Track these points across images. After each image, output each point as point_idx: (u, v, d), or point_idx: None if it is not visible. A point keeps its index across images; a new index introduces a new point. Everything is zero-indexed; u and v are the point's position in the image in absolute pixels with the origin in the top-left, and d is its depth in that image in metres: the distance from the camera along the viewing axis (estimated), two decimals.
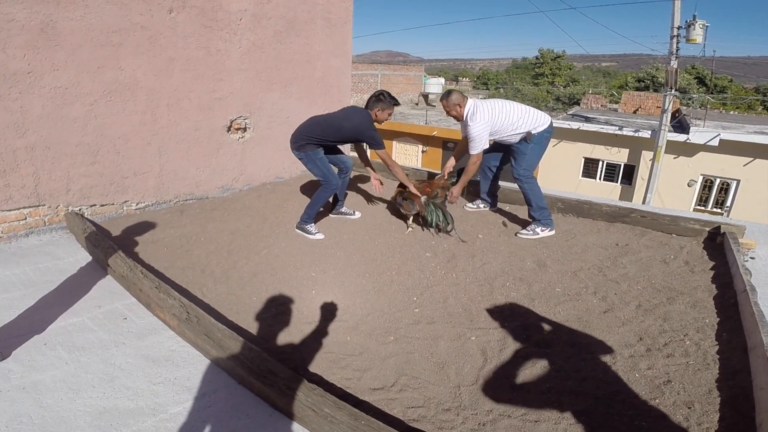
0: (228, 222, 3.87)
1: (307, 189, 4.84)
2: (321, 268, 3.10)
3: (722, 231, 3.47)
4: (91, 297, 2.58)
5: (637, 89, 27.78)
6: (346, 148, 4.96)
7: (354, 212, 4.08)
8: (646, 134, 13.31)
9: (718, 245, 3.44)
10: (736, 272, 2.82)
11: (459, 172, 3.97)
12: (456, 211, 4.18)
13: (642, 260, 3.22)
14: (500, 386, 1.99)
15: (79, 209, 3.59)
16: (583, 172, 15.31)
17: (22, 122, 3.14)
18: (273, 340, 2.32)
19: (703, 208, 13.34)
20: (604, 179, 15.02)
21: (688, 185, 13.36)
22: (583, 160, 15.12)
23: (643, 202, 12.41)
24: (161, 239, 3.47)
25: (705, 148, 12.67)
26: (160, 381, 1.93)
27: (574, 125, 14.60)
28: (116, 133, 3.67)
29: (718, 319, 2.47)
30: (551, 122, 3.64)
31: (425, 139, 17.31)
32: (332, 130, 3.50)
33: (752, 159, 12.30)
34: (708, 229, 3.55)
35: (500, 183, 4.30)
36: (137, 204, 3.98)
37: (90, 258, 3.08)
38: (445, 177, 4.07)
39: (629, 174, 14.51)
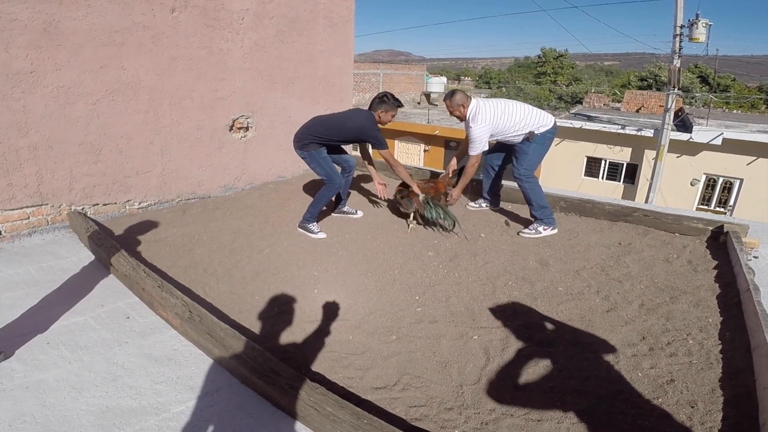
0: (230, 221, 3.87)
1: (309, 188, 4.84)
2: (323, 267, 3.10)
3: (725, 230, 3.45)
4: (94, 296, 2.59)
5: (640, 88, 27.70)
6: (348, 148, 4.96)
7: (356, 211, 4.08)
8: (648, 133, 13.28)
9: (721, 244, 3.43)
10: (740, 271, 2.81)
11: (460, 171, 3.97)
12: (458, 210, 4.17)
13: (645, 259, 3.21)
14: (503, 385, 1.99)
15: (82, 208, 3.60)
16: (585, 171, 15.29)
17: (24, 122, 3.14)
18: (275, 339, 2.33)
19: (706, 207, 13.30)
20: (606, 178, 15.00)
21: (691, 184, 13.32)
22: (585, 159, 15.10)
23: (646, 201, 12.37)
24: (164, 238, 3.48)
25: (708, 147, 12.63)
26: (162, 380, 1.93)
27: (577, 124, 14.57)
28: (119, 133, 3.68)
29: (721, 318, 2.47)
30: (555, 123, 3.63)
31: (427, 138, 17.31)
32: (335, 130, 3.50)
33: (755, 158, 12.26)
34: (711, 228, 3.54)
35: (503, 182, 4.29)
36: (140, 203, 3.99)
37: (93, 257, 3.09)
38: (450, 175, 4.08)
39: (632, 173, 14.48)
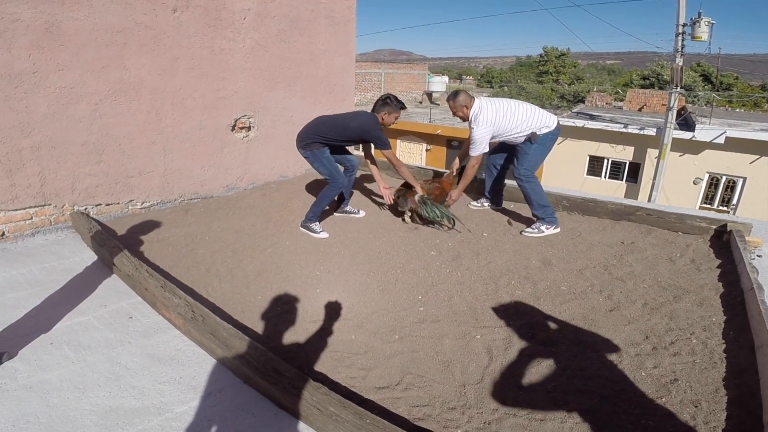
0: (232, 221, 3.88)
1: (312, 187, 4.84)
2: (326, 266, 3.10)
3: (729, 229, 3.44)
4: (97, 296, 2.59)
5: (642, 87, 27.66)
6: (351, 148, 4.96)
7: (359, 211, 4.08)
8: (651, 132, 13.25)
9: (724, 243, 3.42)
10: (743, 270, 2.80)
11: (461, 172, 3.96)
12: (460, 209, 4.17)
13: (648, 258, 3.20)
14: (506, 385, 1.99)
15: (85, 208, 3.61)
16: (588, 170, 15.26)
17: (27, 122, 3.15)
18: (278, 338, 2.33)
19: (709, 206, 13.26)
20: (609, 177, 14.97)
21: (694, 183, 13.29)
22: (588, 157, 15.07)
23: (649, 200, 12.35)
24: (166, 238, 3.49)
25: (711, 145, 12.59)
26: (165, 380, 1.94)
27: (579, 123, 14.55)
28: (121, 133, 3.68)
29: (725, 317, 2.46)
30: (558, 123, 3.62)
31: (429, 138, 17.30)
32: (338, 130, 3.50)
33: (758, 156, 12.22)
34: (714, 227, 3.53)
35: (505, 181, 4.29)
36: (142, 203, 3.99)
37: (95, 257, 3.09)
38: (454, 174, 4.08)
39: (634, 172, 14.45)
